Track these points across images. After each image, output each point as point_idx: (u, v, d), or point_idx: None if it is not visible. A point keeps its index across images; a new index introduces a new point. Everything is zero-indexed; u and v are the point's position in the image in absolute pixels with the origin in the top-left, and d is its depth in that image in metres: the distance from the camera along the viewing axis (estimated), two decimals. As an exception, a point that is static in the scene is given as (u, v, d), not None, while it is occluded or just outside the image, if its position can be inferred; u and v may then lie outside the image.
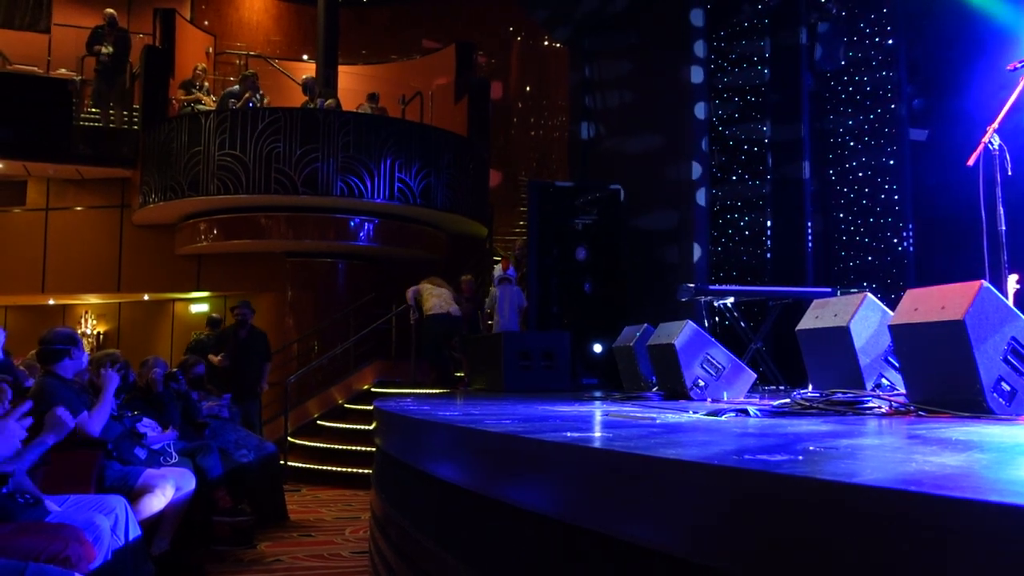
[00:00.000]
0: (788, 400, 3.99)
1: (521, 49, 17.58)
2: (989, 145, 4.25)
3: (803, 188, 8.91)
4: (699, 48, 9.13)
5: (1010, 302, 3.56)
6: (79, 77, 12.89)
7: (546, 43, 17.08)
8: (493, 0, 15.23)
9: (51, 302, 13.57)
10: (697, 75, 9.05)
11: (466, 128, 13.02)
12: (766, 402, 4.24)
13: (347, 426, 9.53)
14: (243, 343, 8.80)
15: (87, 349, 7.29)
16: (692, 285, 7.16)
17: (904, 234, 8.44)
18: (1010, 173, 4.23)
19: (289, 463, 8.92)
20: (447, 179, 11.83)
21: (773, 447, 2.03)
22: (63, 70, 13.44)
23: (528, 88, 17.56)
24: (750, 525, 1.52)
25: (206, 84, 12.82)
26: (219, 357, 8.68)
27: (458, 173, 12.08)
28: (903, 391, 3.68)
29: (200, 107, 12.21)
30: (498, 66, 17.21)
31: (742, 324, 7.14)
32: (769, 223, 9.07)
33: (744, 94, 9.28)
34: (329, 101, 11.97)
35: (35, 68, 13.44)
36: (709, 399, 4.93)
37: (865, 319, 4.28)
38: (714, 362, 5.12)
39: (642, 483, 1.86)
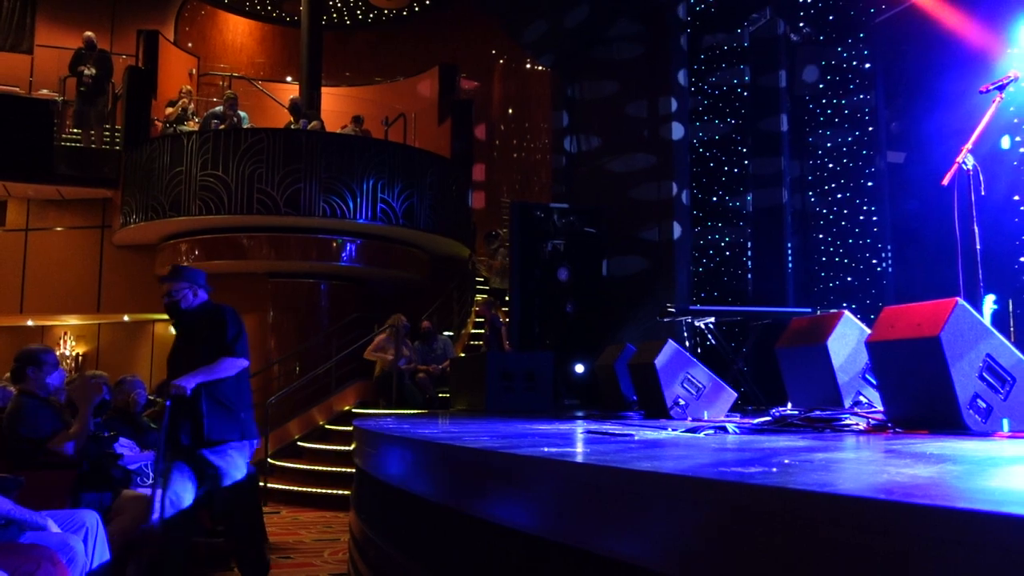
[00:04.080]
0: (767, 418, 4.00)
1: (504, 71, 17.70)
2: (963, 166, 4.31)
3: (783, 209, 9.00)
4: (680, 72, 9.22)
5: (987, 322, 3.60)
6: (61, 98, 12.87)
7: (528, 66, 17.20)
8: (476, 23, 15.33)
9: (30, 323, 13.44)
10: (678, 98, 9.14)
11: (449, 149, 13.07)
12: (746, 420, 4.25)
13: (328, 447, 9.46)
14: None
15: (66, 370, 7.22)
16: (673, 306, 7.20)
17: (883, 254, 8.52)
18: (983, 193, 4.28)
19: (269, 485, 8.83)
20: (430, 200, 11.85)
21: (749, 461, 2.03)
22: (45, 91, 13.43)
23: (511, 110, 17.67)
24: (725, 535, 1.53)
25: (191, 106, 12.82)
26: None
27: (441, 194, 12.11)
28: (881, 408, 3.70)
29: (183, 128, 12.19)
30: (481, 88, 17.32)
31: (723, 344, 7.17)
32: (750, 244, 9.14)
33: (724, 116, 9.38)
34: (313, 123, 12.00)
35: (17, 89, 13.41)
36: (689, 418, 4.93)
37: (843, 337, 4.32)
38: (695, 381, 5.13)
39: (618, 496, 1.86)
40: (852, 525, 1.26)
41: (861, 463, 2.07)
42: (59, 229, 12.66)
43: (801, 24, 9.22)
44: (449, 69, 14.23)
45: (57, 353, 9.09)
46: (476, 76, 17.16)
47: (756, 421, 3.92)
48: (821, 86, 9.12)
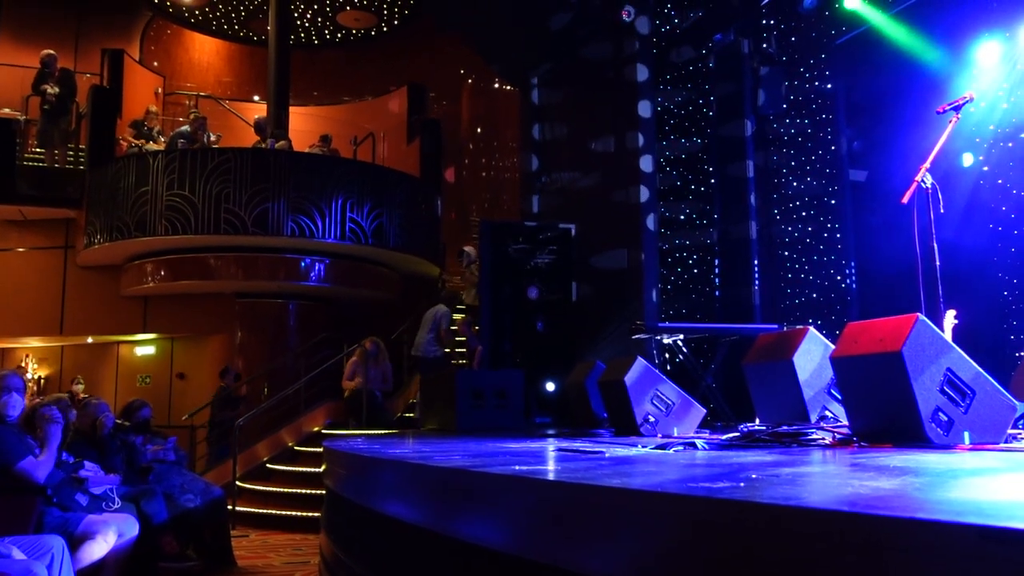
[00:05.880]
0: (736, 433, 4.05)
1: (472, 90, 17.80)
2: (922, 184, 4.41)
3: (749, 228, 9.14)
4: (645, 95, 9.33)
5: (948, 337, 3.68)
6: (24, 117, 12.69)
7: (496, 85, 17.32)
8: (444, 42, 15.42)
9: (-10, 346, 13.18)
10: (645, 112, 9.24)
11: (418, 168, 13.08)
12: (715, 436, 4.29)
13: (297, 469, 9.37)
14: None
15: (28, 394, 7.09)
16: (642, 323, 7.25)
17: (846, 271, 8.67)
18: (942, 211, 4.39)
19: (238, 508, 8.72)
20: (399, 219, 11.84)
21: (717, 476, 2.06)
22: (7, 110, 13.24)
23: (479, 129, 17.75)
24: (694, 550, 1.55)
25: (156, 126, 12.71)
26: None
27: (410, 213, 12.10)
28: (846, 422, 3.76)
29: (149, 147, 12.08)
30: (449, 107, 17.38)
31: (692, 360, 7.24)
32: (717, 261, 9.25)
33: (690, 135, 9.52)
34: (280, 142, 11.95)
35: (-23, 107, 13.21)
36: (659, 434, 4.97)
37: (808, 353, 4.38)
38: (664, 398, 5.18)
39: (589, 513, 1.88)
40: (817, 537, 1.29)
41: (827, 476, 2.11)
42: (21, 250, 12.45)
43: (764, 45, 9.39)
44: (417, 88, 14.27)
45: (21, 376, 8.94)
46: (444, 95, 17.24)
47: (725, 437, 3.97)
48: (784, 106, 9.30)
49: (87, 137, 12.16)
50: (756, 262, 9.12)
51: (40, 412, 4.61)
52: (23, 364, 13.16)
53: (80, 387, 11.53)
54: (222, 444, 10.43)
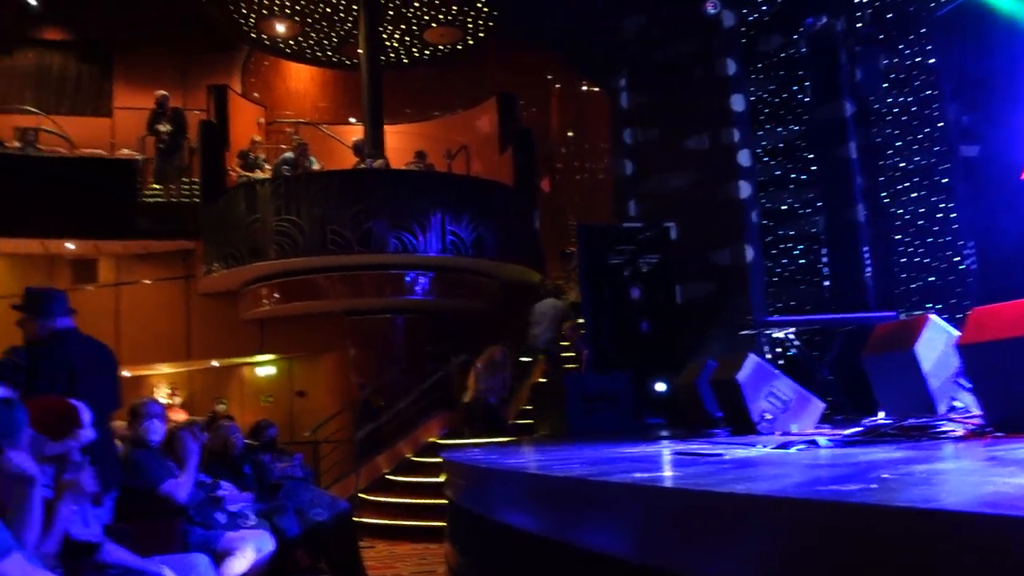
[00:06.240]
0: (859, 428, 3.94)
1: (561, 94, 17.83)
2: (1043, 158, 4.20)
3: (856, 211, 8.84)
4: (737, 88, 9.17)
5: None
6: (141, 156, 13.45)
7: (584, 88, 17.30)
8: (530, 50, 15.51)
9: (126, 373, 13.98)
10: (738, 106, 9.08)
11: (512, 177, 13.21)
12: (836, 432, 4.19)
13: (417, 479, 9.58)
14: None
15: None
16: (751, 318, 7.13)
17: (965, 252, 8.29)
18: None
19: (362, 519, 8.99)
20: (497, 228, 11.98)
21: (846, 477, 2.03)
22: (126, 151, 14.05)
23: (570, 133, 17.76)
24: (826, 557, 1.54)
25: (261, 155, 13.26)
26: None
27: (507, 221, 12.23)
28: (978, 412, 3.62)
29: (256, 176, 12.62)
30: (539, 113, 17.46)
31: (806, 354, 7.06)
32: (824, 250, 8.99)
33: (786, 123, 9.30)
34: (378, 161, 12.28)
35: (100, 151, 14.08)
36: (778, 432, 4.88)
37: (930, 342, 4.23)
38: (779, 394, 5.08)
39: (714, 520, 1.88)
40: (958, 542, 1.27)
41: (964, 474, 2.05)
42: (147, 282, 13.19)
43: (859, 25, 9.09)
44: (507, 98, 14.42)
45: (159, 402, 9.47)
46: (533, 102, 17.32)
47: (847, 432, 3.87)
48: (884, 84, 8.97)
49: (199, 171, 12.80)
50: (866, 248, 8.81)
51: (178, 436, 4.90)
52: (155, 389, 13.91)
53: (223, 407, 12.08)
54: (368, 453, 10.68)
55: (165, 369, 14.02)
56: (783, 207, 9.19)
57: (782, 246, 9.15)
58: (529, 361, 11.05)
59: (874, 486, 1.79)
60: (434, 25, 14.86)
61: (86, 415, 3.34)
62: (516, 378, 11.06)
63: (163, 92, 13.44)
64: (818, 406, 5.13)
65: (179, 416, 11.29)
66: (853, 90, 9.14)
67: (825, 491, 1.75)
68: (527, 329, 10.18)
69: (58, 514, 2.63)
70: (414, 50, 15.74)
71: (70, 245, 12.80)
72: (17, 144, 12.87)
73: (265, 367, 13.83)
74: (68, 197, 11.93)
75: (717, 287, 9.15)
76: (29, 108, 14.51)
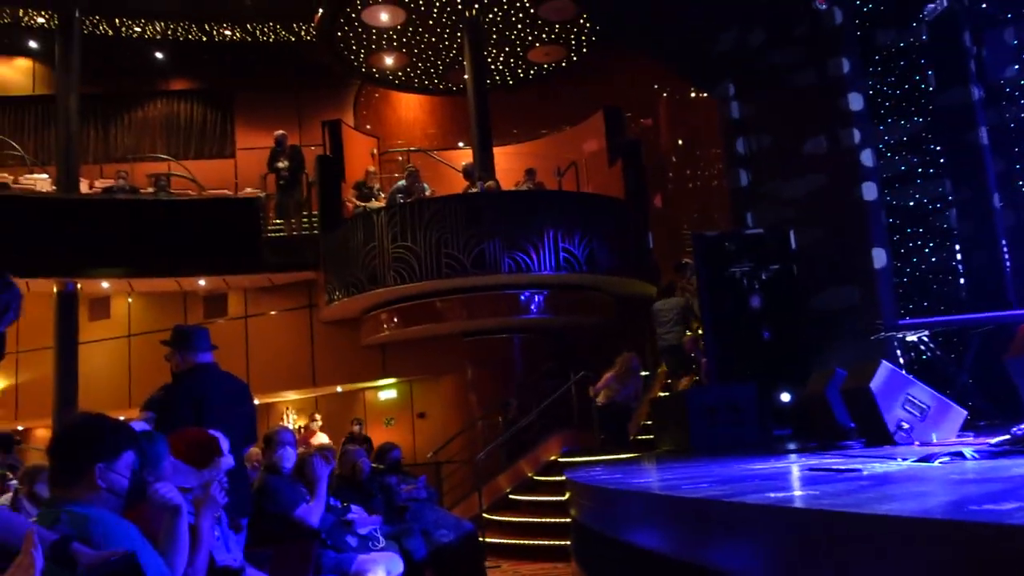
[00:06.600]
0: (1007, 436, 3.68)
1: (669, 103, 17.62)
2: None
3: (991, 200, 8.31)
4: (854, 86, 8.80)
5: None
6: (263, 193, 14.10)
7: (692, 95, 17.04)
8: (633, 61, 15.41)
9: (256, 402, 14.63)
10: (856, 105, 8.72)
11: (623, 190, 13.12)
12: (982, 441, 3.93)
13: (539, 498, 9.58)
14: None
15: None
16: (881, 322, 6.79)
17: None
18: None
19: (487, 539, 9.05)
20: (610, 243, 11.92)
21: (1000, 494, 1.90)
22: (249, 189, 14.78)
23: (680, 142, 17.51)
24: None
25: (376, 184, 13.68)
26: None
27: (620, 236, 12.15)
28: None
29: (371, 205, 13.01)
30: (647, 123, 17.31)
31: (943, 358, 6.67)
32: (957, 246, 8.49)
33: (909, 116, 8.85)
34: (489, 183, 12.44)
35: (226, 191, 14.87)
36: (916, 443, 4.62)
37: (1086, 341, 3.92)
38: (917, 402, 4.81)
39: (856, 543, 1.79)
40: None
41: None
42: (273, 313, 13.78)
43: (984, 5, 8.60)
44: (613, 111, 14.36)
45: (284, 426, 9.85)
46: (641, 112, 17.20)
47: (995, 442, 3.62)
48: (1016, 66, 8.44)
49: (318, 203, 13.31)
50: (1004, 240, 8.26)
51: (308, 461, 5.06)
52: (284, 416, 14.47)
53: (358, 427, 12.47)
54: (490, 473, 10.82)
55: (292, 396, 14.58)
56: (911, 203, 8.74)
57: (911, 244, 8.69)
58: (647, 375, 10.92)
59: (1033, 504, 1.66)
60: (537, 45, 14.99)
61: (224, 444, 3.49)
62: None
63: (281, 131, 14.08)
64: (959, 413, 4.83)
65: (321, 439, 11.74)
66: (980, 73, 8.64)
67: (980, 511, 1.63)
68: (652, 331, 10.18)
69: (202, 536, 2.75)
70: (519, 71, 15.92)
71: (202, 282, 13.53)
72: (151, 190, 13.72)
73: (386, 391, 14.18)
74: (199, 236, 12.62)
75: (845, 293, 8.77)
76: (160, 155, 15.51)
